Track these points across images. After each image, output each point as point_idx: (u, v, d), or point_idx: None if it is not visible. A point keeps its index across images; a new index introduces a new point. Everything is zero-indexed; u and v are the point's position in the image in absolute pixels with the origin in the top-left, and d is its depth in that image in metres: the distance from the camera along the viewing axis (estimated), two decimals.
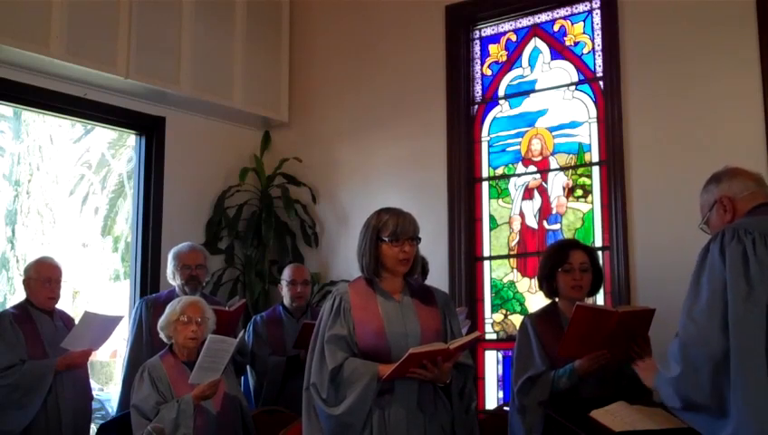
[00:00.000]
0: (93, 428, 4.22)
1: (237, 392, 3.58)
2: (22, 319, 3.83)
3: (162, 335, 3.52)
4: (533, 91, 4.77)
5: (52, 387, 3.76)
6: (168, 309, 3.52)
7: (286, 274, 4.43)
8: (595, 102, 4.53)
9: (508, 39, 4.90)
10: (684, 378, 2.20)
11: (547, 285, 3.24)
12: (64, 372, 3.80)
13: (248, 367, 4.33)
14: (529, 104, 4.78)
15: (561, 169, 4.62)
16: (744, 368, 2.09)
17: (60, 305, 4.03)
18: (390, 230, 2.72)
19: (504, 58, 4.90)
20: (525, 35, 4.84)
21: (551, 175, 4.65)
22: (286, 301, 4.39)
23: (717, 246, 2.24)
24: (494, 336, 4.72)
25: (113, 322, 3.91)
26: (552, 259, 3.22)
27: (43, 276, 3.90)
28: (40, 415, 3.73)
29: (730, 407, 2.11)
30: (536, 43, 4.80)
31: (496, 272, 4.77)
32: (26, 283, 3.96)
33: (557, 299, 3.24)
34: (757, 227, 2.24)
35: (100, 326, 3.87)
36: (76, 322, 3.99)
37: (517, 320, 4.54)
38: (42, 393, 3.72)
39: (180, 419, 3.21)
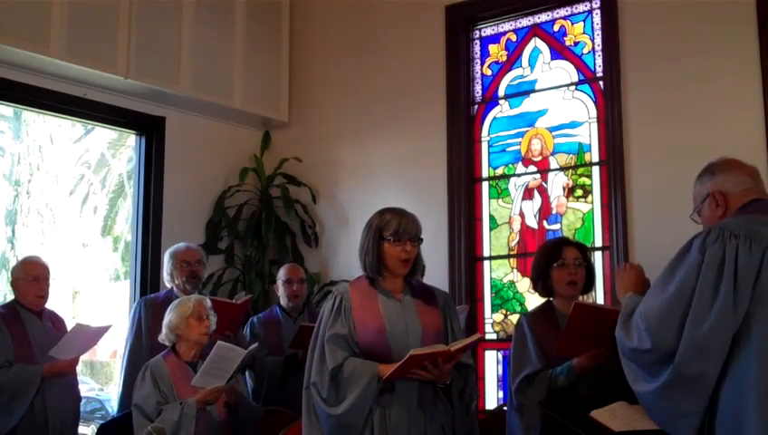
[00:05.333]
0: (94, 428, 4.21)
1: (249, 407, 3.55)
2: (10, 320, 3.79)
3: (168, 335, 3.48)
4: (533, 91, 4.77)
5: (39, 388, 3.71)
6: (177, 309, 3.49)
7: (282, 273, 4.43)
8: (595, 102, 4.53)
9: (508, 39, 4.90)
10: (634, 351, 2.28)
11: (541, 284, 3.21)
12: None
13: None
14: (529, 104, 4.78)
15: (561, 169, 4.62)
16: (680, 368, 2.16)
17: (60, 306, 4.02)
18: (393, 229, 2.72)
19: (504, 58, 4.90)
20: (525, 35, 4.84)
21: (551, 175, 4.65)
22: (283, 301, 4.39)
23: (699, 244, 2.22)
24: (494, 336, 4.72)
25: (101, 331, 3.87)
26: (546, 256, 3.20)
27: (31, 275, 3.86)
28: (26, 416, 3.68)
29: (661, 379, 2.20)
30: (536, 43, 4.80)
31: (496, 272, 4.77)
32: (14, 284, 3.92)
33: (552, 298, 3.23)
34: (744, 227, 2.20)
35: (89, 336, 3.85)
36: (66, 323, 4.00)
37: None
38: (27, 399, 3.67)
39: (182, 421, 3.21)
